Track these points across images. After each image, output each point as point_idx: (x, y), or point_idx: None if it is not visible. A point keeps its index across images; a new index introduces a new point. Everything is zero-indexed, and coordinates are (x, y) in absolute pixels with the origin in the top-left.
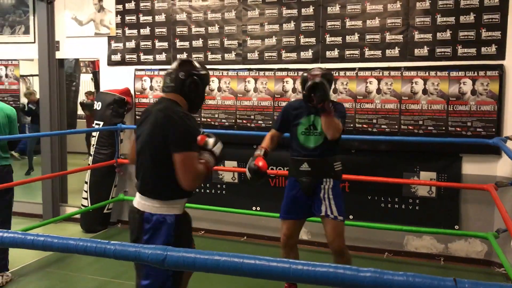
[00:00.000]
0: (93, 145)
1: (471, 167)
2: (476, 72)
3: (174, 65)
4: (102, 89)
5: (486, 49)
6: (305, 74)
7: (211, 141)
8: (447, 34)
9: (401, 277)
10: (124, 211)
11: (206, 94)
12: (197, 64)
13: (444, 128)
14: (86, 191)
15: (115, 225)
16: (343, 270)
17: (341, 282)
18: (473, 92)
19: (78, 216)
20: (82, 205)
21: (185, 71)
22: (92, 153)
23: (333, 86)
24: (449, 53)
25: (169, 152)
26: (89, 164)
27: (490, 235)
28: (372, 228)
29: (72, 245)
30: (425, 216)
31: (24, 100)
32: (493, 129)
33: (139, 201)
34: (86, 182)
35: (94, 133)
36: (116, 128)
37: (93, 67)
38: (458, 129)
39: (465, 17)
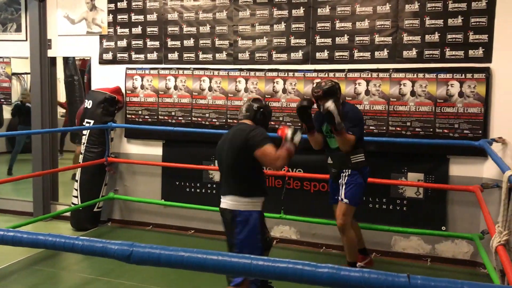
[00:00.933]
0: (84, 143)
1: (458, 169)
2: (463, 75)
3: (248, 100)
4: (93, 87)
5: (474, 52)
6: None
7: (289, 134)
8: (436, 37)
9: (357, 273)
10: (115, 210)
11: None
12: (262, 101)
13: (431, 129)
14: (77, 189)
15: (105, 223)
16: (302, 266)
17: (300, 278)
18: (461, 94)
19: (68, 214)
20: (73, 203)
21: (257, 104)
22: (82, 151)
23: (341, 92)
24: (437, 56)
25: (249, 156)
26: (80, 162)
27: (476, 236)
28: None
29: (41, 240)
30: (412, 217)
31: (15, 98)
32: (480, 131)
33: (225, 201)
34: (76, 181)
35: (84, 132)
36: (106, 126)
37: (80, 66)
38: (446, 130)
39: (453, 20)
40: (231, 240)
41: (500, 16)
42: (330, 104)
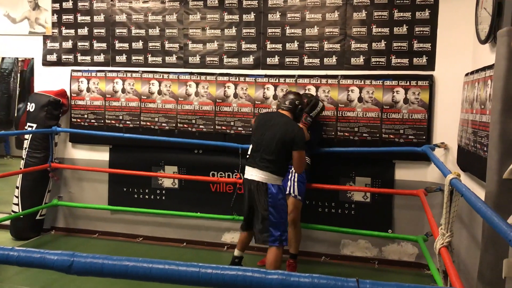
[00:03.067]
0: (25, 148)
1: (403, 173)
2: (408, 82)
3: (291, 94)
4: (36, 89)
5: (418, 60)
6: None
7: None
8: (382, 45)
9: (306, 278)
10: (58, 217)
11: None
12: (302, 96)
13: (378, 135)
14: (17, 197)
15: (48, 232)
16: (251, 273)
17: (249, 285)
18: (405, 100)
19: (8, 222)
20: (13, 211)
21: (298, 99)
22: (24, 156)
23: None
24: (383, 63)
25: (290, 150)
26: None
27: (420, 238)
28: (309, 229)
29: None
30: (360, 221)
31: None
32: (424, 137)
33: (260, 176)
34: (17, 187)
35: (26, 136)
36: (50, 131)
37: (23, 67)
38: (391, 136)
39: (398, 29)
40: (261, 205)
41: (442, 26)
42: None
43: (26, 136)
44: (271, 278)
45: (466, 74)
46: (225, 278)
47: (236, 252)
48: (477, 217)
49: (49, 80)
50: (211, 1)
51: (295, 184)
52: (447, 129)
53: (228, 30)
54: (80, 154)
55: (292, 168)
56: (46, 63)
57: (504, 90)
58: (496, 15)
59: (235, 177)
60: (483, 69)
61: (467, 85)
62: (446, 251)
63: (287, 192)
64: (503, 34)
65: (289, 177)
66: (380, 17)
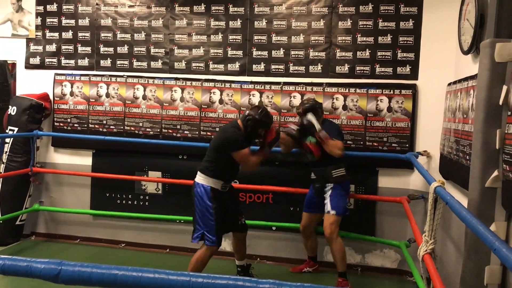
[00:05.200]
0: (6, 152)
1: (386, 180)
2: (392, 90)
3: (252, 108)
4: (18, 93)
5: (401, 69)
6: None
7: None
8: (367, 53)
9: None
10: (39, 222)
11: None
12: (262, 112)
13: (362, 142)
14: None
15: (28, 237)
16: (242, 282)
17: None
18: (389, 109)
19: None
20: None
21: (252, 111)
22: (4, 160)
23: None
24: (368, 72)
25: (225, 152)
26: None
27: (403, 244)
28: (294, 235)
29: None
30: (343, 227)
31: None
32: (407, 145)
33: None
34: None
35: (7, 140)
36: (32, 134)
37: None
38: (375, 144)
39: (383, 38)
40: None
41: (425, 36)
42: (309, 115)
43: (7, 140)
44: (262, 287)
45: (449, 84)
46: (216, 287)
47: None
48: (460, 224)
49: (31, 84)
50: (197, 7)
51: (329, 199)
52: (430, 138)
53: (214, 36)
54: (63, 158)
55: (327, 187)
56: (29, 66)
57: (487, 100)
58: (478, 27)
59: None
60: (466, 79)
61: (450, 95)
62: (430, 258)
63: (324, 212)
64: (486, 46)
65: (325, 195)
66: (365, 26)
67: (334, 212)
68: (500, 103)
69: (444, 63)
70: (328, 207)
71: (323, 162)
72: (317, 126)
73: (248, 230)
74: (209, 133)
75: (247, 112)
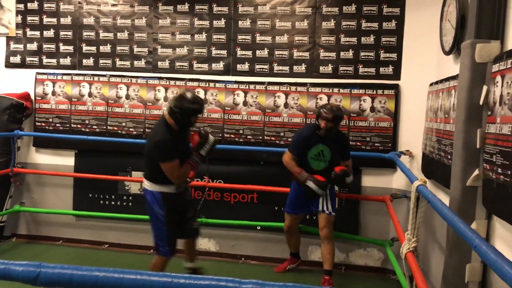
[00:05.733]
0: None
1: (369, 180)
2: (375, 91)
3: (176, 97)
4: None
5: (384, 69)
6: (321, 110)
7: (198, 146)
8: (350, 54)
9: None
10: (20, 224)
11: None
12: (189, 99)
13: None
14: None
15: (9, 239)
16: (225, 283)
17: None
18: (372, 109)
19: None
20: None
21: (176, 102)
22: None
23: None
24: (351, 72)
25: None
26: None
27: (386, 243)
28: (278, 236)
29: None
30: None
31: None
32: (390, 144)
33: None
34: None
35: None
36: (12, 134)
37: None
38: (358, 143)
39: (366, 38)
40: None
41: (408, 36)
42: (349, 178)
43: None
44: (245, 287)
45: (431, 84)
46: (199, 287)
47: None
48: (442, 223)
49: (12, 83)
50: (181, 6)
51: (329, 199)
52: (412, 137)
53: (198, 36)
54: (44, 159)
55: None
56: (9, 65)
57: (468, 100)
58: (459, 28)
59: (204, 181)
60: (447, 79)
61: (432, 95)
62: (412, 256)
63: (319, 209)
64: (467, 46)
65: (323, 195)
66: (348, 26)
67: (334, 213)
68: (481, 103)
69: (426, 63)
70: (328, 207)
71: (325, 169)
72: (349, 179)
73: (233, 229)
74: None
75: (172, 103)
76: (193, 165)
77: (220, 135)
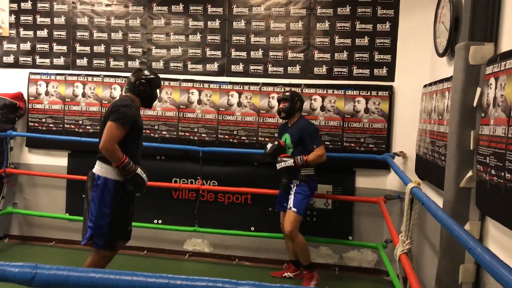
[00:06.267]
0: None
1: (363, 181)
2: (369, 92)
3: (131, 74)
4: None
5: (378, 70)
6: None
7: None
8: (344, 55)
9: None
10: (13, 225)
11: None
12: (146, 72)
13: (339, 143)
14: None
15: (1, 240)
16: (221, 284)
17: None
18: (366, 110)
19: None
20: None
21: (135, 76)
22: None
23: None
24: (345, 73)
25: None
26: None
27: (379, 245)
28: (272, 239)
29: None
30: (321, 227)
31: None
32: (383, 145)
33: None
34: None
35: None
36: (5, 135)
37: None
38: (352, 144)
39: (360, 40)
40: (87, 198)
41: (402, 38)
42: (281, 164)
43: None
44: None
45: (425, 86)
46: None
47: None
48: (435, 224)
49: (5, 83)
50: (175, 7)
51: (292, 196)
52: (406, 139)
53: (193, 36)
54: (37, 159)
55: (293, 184)
56: (2, 64)
57: (462, 102)
58: (453, 30)
59: (198, 183)
60: (441, 81)
61: (425, 96)
62: (406, 258)
63: (287, 207)
64: (461, 48)
65: (290, 191)
66: (342, 28)
67: (295, 210)
68: (474, 105)
69: (420, 65)
70: (290, 203)
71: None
72: (290, 163)
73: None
74: (187, 134)
75: (132, 79)
76: (123, 162)
77: (214, 136)
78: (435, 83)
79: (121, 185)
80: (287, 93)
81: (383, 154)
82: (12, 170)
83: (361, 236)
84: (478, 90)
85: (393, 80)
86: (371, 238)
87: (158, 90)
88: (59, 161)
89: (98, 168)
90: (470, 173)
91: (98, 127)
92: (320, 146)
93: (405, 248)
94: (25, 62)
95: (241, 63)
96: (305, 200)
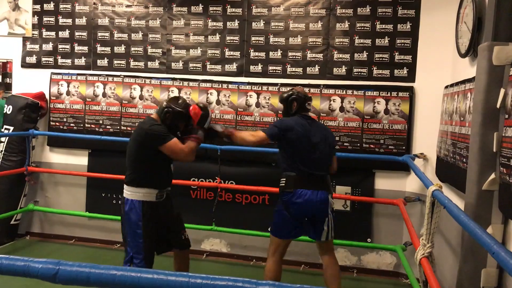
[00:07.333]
0: (1, 151)
1: (383, 183)
2: (389, 93)
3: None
4: (14, 92)
5: (399, 71)
6: None
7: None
8: (364, 55)
9: None
10: (34, 222)
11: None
12: (180, 101)
13: (358, 144)
14: None
15: (23, 237)
16: (242, 284)
17: None
18: (386, 111)
19: None
20: None
21: (167, 102)
22: None
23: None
24: (365, 74)
25: (147, 147)
26: None
27: (399, 248)
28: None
29: None
30: (340, 229)
31: None
32: (403, 147)
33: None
34: None
35: (2, 139)
36: (27, 133)
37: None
38: (372, 146)
39: (380, 40)
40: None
41: (423, 39)
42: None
43: (2, 139)
44: None
45: (446, 87)
46: None
47: None
48: (456, 227)
49: (27, 83)
50: (195, 8)
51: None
52: (426, 140)
53: (212, 37)
54: (58, 158)
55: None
56: (25, 65)
57: (485, 103)
58: (476, 30)
59: (215, 182)
60: (463, 82)
61: (447, 97)
62: (427, 262)
63: None
64: (484, 49)
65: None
66: (362, 28)
67: (269, 229)
68: (498, 106)
69: (441, 65)
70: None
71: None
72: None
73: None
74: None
75: (165, 104)
76: (198, 139)
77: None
78: (456, 84)
79: (149, 205)
80: (284, 95)
81: (403, 156)
82: (33, 168)
83: (380, 238)
84: (502, 91)
85: (413, 81)
86: (390, 240)
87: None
88: (80, 160)
89: (126, 192)
90: (492, 176)
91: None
92: (263, 131)
93: (426, 252)
94: (47, 62)
95: (259, 64)
96: (274, 216)
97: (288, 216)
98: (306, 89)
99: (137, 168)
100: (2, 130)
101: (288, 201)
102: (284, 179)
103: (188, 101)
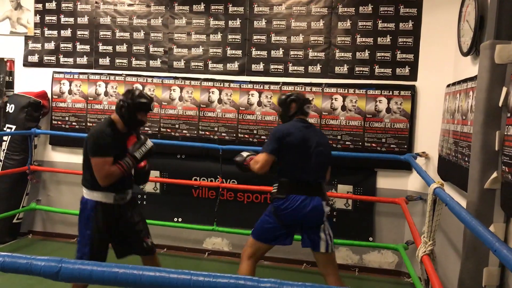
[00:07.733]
0: (3, 150)
1: (384, 181)
2: (391, 91)
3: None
4: (16, 90)
5: (401, 70)
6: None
7: (131, 148)
8: (366, 54)
9: (299, 287)
10: (36, 221)
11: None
12: (136, 93)
13: (360, 143)
14: None
15: (25, 235)
16: (244, 281)
17: None
18: (388, 110)
19: None
20: None
21: (123, 96)
22: (1, 158)
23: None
24: (367, 72)
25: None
26: None
27: (400, 247)
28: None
29: None
30: (341, 228)
31: None
32: (405, 146)
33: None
34: None
35: (5, 137)
36: (30, 132)
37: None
38: (374, 144)
39: (382, 39)
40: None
41: (425, 37)
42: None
43: (5, 138)
44: (264, 286)
45: (448, 85)
46: (217, 286)
47: None
48: (458, 225)
49: (29, 81)
50: (197, 7)
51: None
52: (428, 139)
53: (214, 36)
54: (60, 157)
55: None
56: (27, 64)
57: (487, 102)
58: (478, 28)
59: (217, 182)
60: (465, 80)
61: (449, 96)
62: (428, 259)
63: None
64: (486, 47)
65: None
66: (364, 27)
67: (250, 233)
68: (500, 104)
69: (443, 64)
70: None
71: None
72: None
73: (246, 229)
74: (207, 133)
75: (119, 98)
76: (123, 167)
77: (234, 135)
78: (458, 82)
79: (104, 207)
80: (283, 96)
81: (405, 155)
82: (36, 167)
83: (382, 236)
84: (504, 89)
85: (415, 80)
86: (391, 239)
87: (145, 114)
88: (82, 158)
89: (84, 192)
90: (495, 174)
91: None
92: (262, 152)
93: (427, 249)
94: (49, 61)
95: (261, 62)
96: (260, 220)
97: (276, 222)
98: (308, 88)
99: (87, 170)
100: (5, 129)
101: (279, 207)
102: (277, 185)
103: (133, 91)
